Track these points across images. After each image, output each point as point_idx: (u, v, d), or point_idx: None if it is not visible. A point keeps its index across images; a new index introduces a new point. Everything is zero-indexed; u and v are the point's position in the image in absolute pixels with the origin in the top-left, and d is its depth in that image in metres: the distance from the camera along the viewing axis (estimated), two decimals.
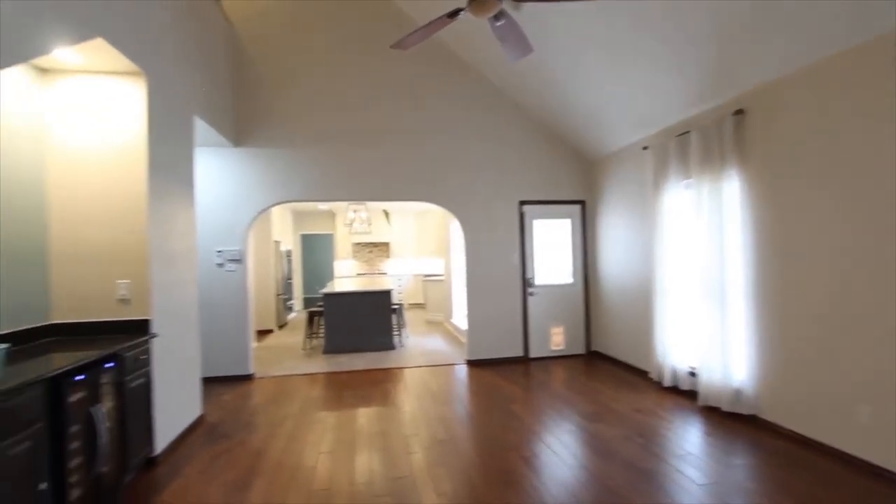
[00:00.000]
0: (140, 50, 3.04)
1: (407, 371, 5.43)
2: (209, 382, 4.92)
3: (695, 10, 3.11)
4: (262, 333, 8.06)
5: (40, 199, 2.95)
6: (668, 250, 4.37)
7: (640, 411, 3.83)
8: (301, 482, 2.75)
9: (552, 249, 6.02)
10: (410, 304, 12.05)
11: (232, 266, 5.19)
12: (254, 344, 6.90)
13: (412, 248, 12.37)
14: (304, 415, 3.95)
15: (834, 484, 2.58)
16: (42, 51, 2.32)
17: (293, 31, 5.38)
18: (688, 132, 4.07)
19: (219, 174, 5.20)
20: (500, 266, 5.78)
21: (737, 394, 3.61)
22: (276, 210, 8.83)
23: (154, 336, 3.06)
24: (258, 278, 8.08)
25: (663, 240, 4.41)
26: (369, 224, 9.85)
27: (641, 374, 4.89)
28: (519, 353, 5.80)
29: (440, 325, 8.83)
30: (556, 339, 5.93)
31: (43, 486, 2.01)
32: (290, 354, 6.42)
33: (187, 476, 2.87)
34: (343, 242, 11.97)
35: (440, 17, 2.71)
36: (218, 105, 4.67)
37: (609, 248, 5.65)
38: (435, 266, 12.18)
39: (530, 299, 5.85)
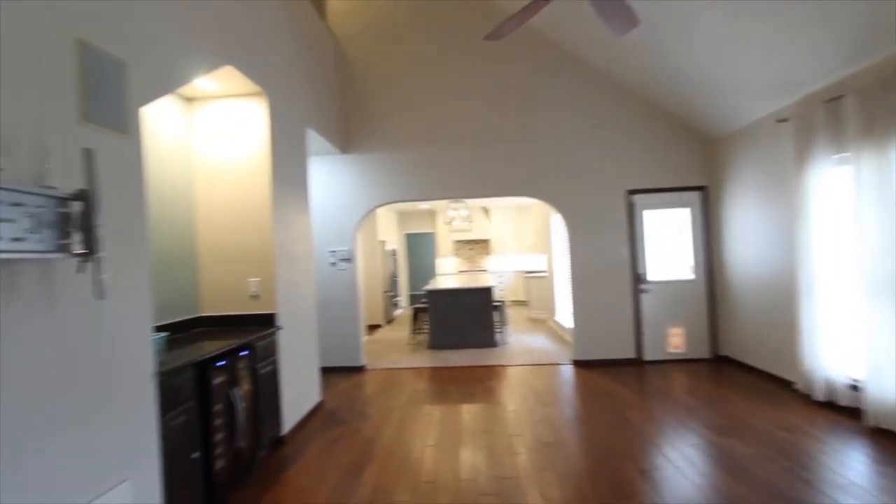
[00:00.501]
0: (262, 72, 3.39)
1: (510, 369, 5.35)
2: (327, 372, 5.34)
3: None
4: (372, 328, 8.57)
5: (190, 211, 3.43)
6: (817, 239, 3.68)
7: (784, 428, 3.28)
8: (409, 473, 2.84)
9: (667, 242, 5.46)
10: (512, 302, 11.91)
11: (343, 265, 5.58)
12: (364, 338, 7.37)
13: (512, 245, 12.22)
14: (411, 407, 4.09)
15: None
16: (185, 81, 2.69)
17: (394, 38, 5.61)
18: (841, 97, 3.38)
19: (328, 180, 5.62)
20: (606, 261, 5.40)
21: None
22: (381, 211, 9.33)
23: (279, 328, 3.39)
24: (366, 276, 8.60)
25: (809, 227, 3.72)
26: (469, 221, 9.93)
27: (784, 384, 4.20)
28: (631, 354, 5.37)
29: (543, 323, 8.57)
30: (675, 341, 5.37)
31: (195, 455, 2.33)
32: (396, 348, 6.73)
33: (309, 456, 3.13)
34: (444, 240, 12.25)
35: (535, 1, 2.58)
36: (327, 116, 5.04)
37: (738, 238, 4.95)
38: (536, 262, 11.88)
39: (643, 296, 5.37)
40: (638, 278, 5.39)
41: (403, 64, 5.59)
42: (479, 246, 12.44)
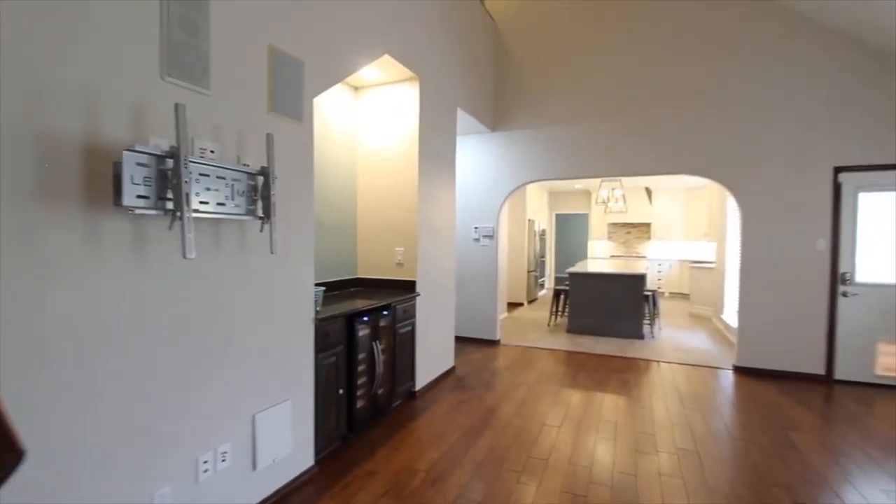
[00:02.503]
0: (415, 58, 3.67)
1: (654, 364, 4.90)
2: (462, 341, 5.69)
3: None
4: (513, 305, 8.70)
5: (353, 187, 3.97)
6: None
7: None
8: (522, 445, 2.90)
9: (890, 234, 4.23)
10: (672, 293, 10.73)
11: (486, 241, 5.77)
12: (503, 314, 7.55)
13: (679, 230, 10.88)
14: (537, 385, 4.11)
15: None
16: (350, 72, 3.08)
17: (550, 13, 5.42)
18: None
19: (477, 158, 5.81)
20: (793, 254, 4.46)
21: None
22: (531, 190, 9.26)
23: (418, 294, 3.74)
24: (511, 254, 8.72)
25: None
26: (625, 202, 9.19)
27: None
28: (818, 370, 4.39)
29: (706, 321, 7.54)
30: (887, 361, 4.20)
31: (341, 391, 2.78)
32: (534, 328, 6.73)
33: (436, 413, 3.43)
34: (598, 223, 11.57)
35: None
36: (477, 95, 5.19)
37: None
38: (704, 251, 10.39)
39: (843, 301, 4.31)
40: (840, 278, 4.33)
41: (558, 40, 5.37)
42: (636, 230, 11.42)
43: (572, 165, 5.37)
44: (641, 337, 6.10)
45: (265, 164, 2.10)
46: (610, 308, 6.28)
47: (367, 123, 3.95)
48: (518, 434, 3.08)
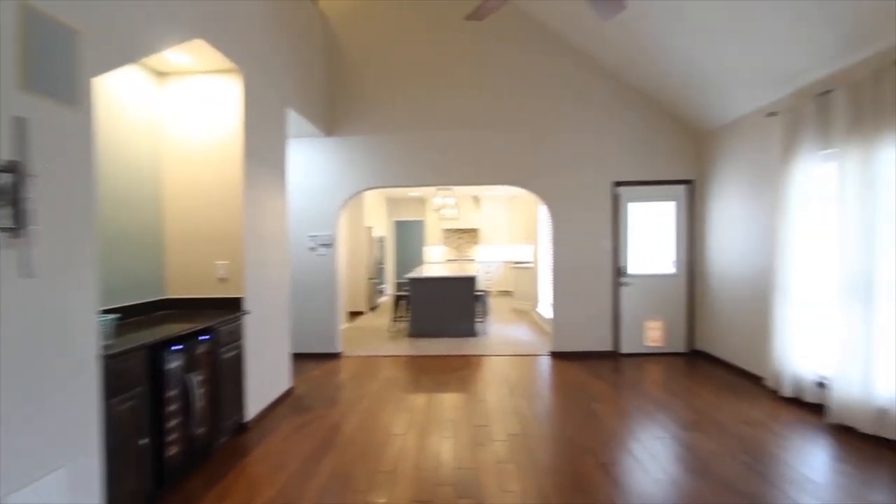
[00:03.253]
0: (237, 48, 3.27)
1: (486, 359, 5.33)
2: (300, 358, 5.29)
3: None
4: (354, 315, 8.52)
5: (156, 189, 3.33)
6: (797, 237, 3.66)
7: (748, 423, 3.29)
8: (369, 461, 2.81)
9: (650, 236, 5.43)
10: (498, 292, 11.91)
11: (323, 250, 5.51)
12: (344, 324, 7.33)
13: (502, 235, 12.17)
14: (381, 395, 4.06)
15: None
16: (148, 52, 2.56)
17: (383, 23, 5.47)
18: (830, 91, 3.32)
19: (311, 163, 5.51)
20: (589, 253, 5.37)
21: (882, 413, 2.92)
22: (369, 198, 9.23)
23: (246, 313, 3.33)
24: (350, 262, 8.54)
25: (790, 224, 3.70)
26: (457, 210, 9.85)
27: (754, 379, 4.22)
28: (608, 347, 5.38)
29: (526, 314, 8.57)
30: (653, 335, 5.38)
31: (144, 441, 2.27)
32: (376, 336, 6.70)
33: (271, 443, 3.09)
34: (433, 229, 12.17)
35: None
36: (311, 97, 4.92)
37: (721, 235, 4.93)
38: (524, 253, 11.86)
39: (623, 290, 5.36)
40: (619, 271, 5.37)
41: (393, 49, 5.46)
42: (467, 235, 12.38)
43: (407, 174, 5.50)
44: (475, 334, 6.59)
45: (15, 158, 1.58)
46: (447, 310, 6.63)
47: (176, 116, 3.37)
48: (364, 449, 2.97)
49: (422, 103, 5.44)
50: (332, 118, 5.49)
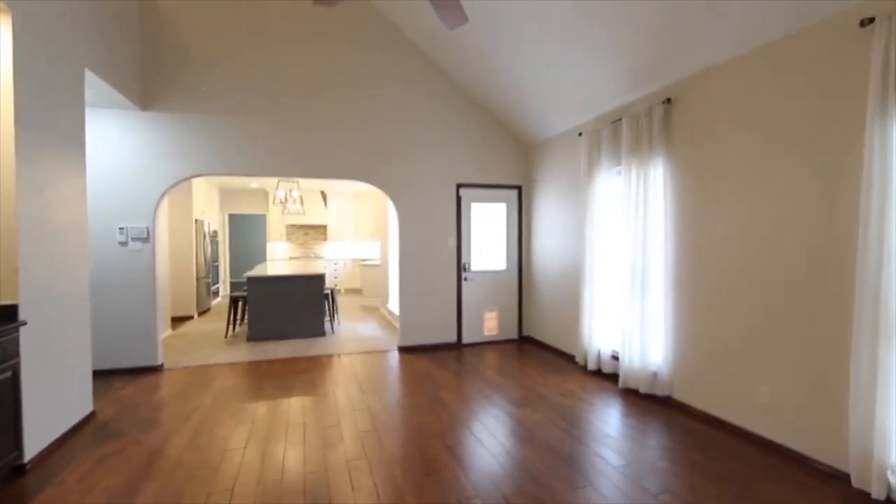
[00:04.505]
0: None
1: (335, 358, 5.20)
2: (107, 375, 4.43)
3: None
4: (180, 320, 7.43)
5: None
6: (597, 237, 4.45)
7: (564, 395, 3.89)
8: (200, 483, 2.49)
9: (489, 234, 5.98)
10: (347, 290, 11.70)
11: (137, 245, 4.65)
12: (167, 332, 6.34)
13: (351, 232, 11.96)
14: (215, 408, 3.63)
15: (736, 459, 2.73)
16: None
17: None
18: (620, 119, 4.12)
19: (122, 141, 4.61)
20: (435, 250, 5.65)
21: (654, 377, 3.76)
22: (198, 187, 8.12)
23: (22, 324, 2.62)
24: (176, 260, 7.42)
25: (593, 226, 4.48)
26: (302, 204, 9.35)
27: (569, 358, 5.01)
28: (452, 339, 5.75)
29: (376, 311, 8.61)
30: (490, 325, 5.94)
31: None
32: (209, 342, 5.95)
33: (63, 484, 2.50)
34: (276, 224, 11.32)
35: None
36: (121, 61, 4.10)
37: (543, 234, 5.70)
38: (373, 250, 11.88)
39: (465, 285, 5.79)
40: (462, 267, 5.77)
41: (233, 22, 4.87)
42: (314, 231, 11.84)
43: (244, 162, 4.99)
44: (323, 334, 6.36)
45: None
46: (292, 310, 6.25)
47: None
48: (194, 472, 2.62)
49: (262, 86, 5.00)
50: (148, 89, 4.66)
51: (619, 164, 4.22)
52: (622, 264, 4.05)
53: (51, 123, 3.00)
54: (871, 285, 2.29)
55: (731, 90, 3.15)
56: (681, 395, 3.59)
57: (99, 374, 4.43)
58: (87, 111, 4.42)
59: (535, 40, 4.07)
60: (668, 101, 3.62)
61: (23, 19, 2.71)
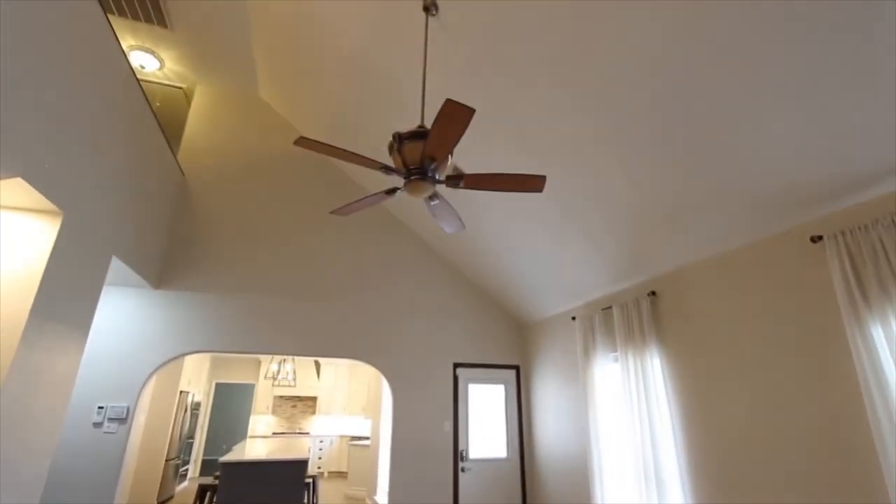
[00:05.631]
0: (61, 192, 2.94)
1: None
2: None
3: (615, 200, 3.57)
4: None
5: None
6: (602, 426, 4.22)
7: None
8: None
9: (488, 419, 5.66)
10: (332, 473, 10.52)
11: (113, 427, 4.36)
12: None
13: (342, 405, 11.32)
14: None
15: None
16: None
17: (237, 185, 5.58)
18: (611, 307, 4.32)
19: (125, 317, 4.72)
20: (430, 434, 5.28)
21: None
22: (191, 356, 7.99)
23: None
24: (148, 439, 6.84)
25: (596, 415, 4.29)
26: (294, 377, 9.07)
27: None
28: None
29: (362, 502, 7.59)
30: None
31: None
32: None
33: None
34: (264, 395, 10.78)
35: (379, 193, 2.89)
36: (147, 249, 4.48)
37: (544, 418, 5.41)
38: (363, 427, 11.07)
39: (462, 476, 5.24)
40: (460, 455, 5.31)
41: (246, 209, 5.50)
42: (303, 403, 11.22)
43: (242, 339, 5.02)
44: None
45: None
46: (267, 502, 5.51)
47: None
48: None
49: (265, 268, 5.34)
50: (165, 272, 4.98)
51: (615, 349, 4.27)
52: (631, 456, 3.75)
53: (65, 309, 3.12)
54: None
55: (703, 289, 3.39)
56: None
57: None
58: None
59: (525, 236, 4.53)
60: (653, 293, 3.86)
61: (70, 220, 3.06)
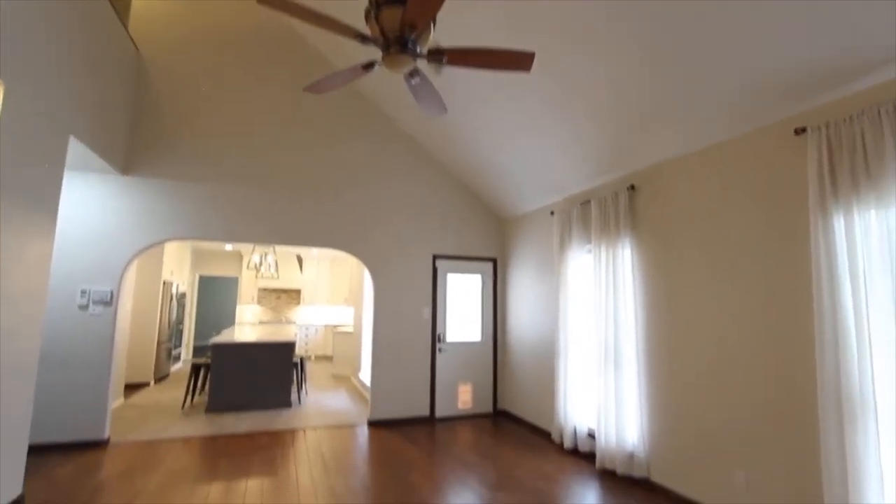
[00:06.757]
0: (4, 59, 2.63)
1: (300, 433, 4.90)
2: (44, 452, 4.06)
3: (595, 92, 3.42)
4: (135, 387, 6.95)
5: None
6: (571, 313, 4.52)
7: (541, 477, 3.73)
8: None
9: (464, 306, 5.99)
10: (318, 357, 11.29)
11: (99, 309, 4.46)
12: (118, 401, 5.92)
13: (325, 297, 11.78)
14: (163, 491, 3.32)
15: None
16: None
17: (206, 65, 5.10)
18: (589, 201, 4.37)
19: (97, 204, 4.57)
20: (409, 320, 5.61)
21: (630, 457, 3.68)
22: (170, 248, 7.99)
23: None
24: (137, 323, 7.09)
25: (566, 302, 4.57)
26: (276, 269, 9.24)
27: (545, 434, 4.87)
28: (425, 412, 5.53)
29: (346, 381, 8.28)
30: (464, 398, 5.77)
31: None
32: (163, 414, 5.54)
33: None
34: (248, 287, 11.07)
35: (355, 67, 2.68)
36: (108, 129, 4.18)
37: (518, 307, 5.75)
38: (346, 316, 11.66)
39: (439, 356, 5.69)
40: (437, 338, 5.71)
41: (216, 93, 5.10)
42: (287, 295, 11.61)
43: (222, 228, 4.99)
44: (289, 405, 6.04)
45: None
46: (257, 379, 5.96)
47: None
48: None
49: (244, 154, 5.14)
50: (131, 156, 4.73)
51: (589, 242, 4.41)
52: (595, 340, 4.10)
53: (28, 187, 2.98)
54: (830, 373, 2.38)
55: (684, 183, 3.43)
56: (658, 477, 3.50)
57: (36, 450, 4.05)
58: (66, 174, 4.43)
59: (508, 126, 4.38)
60: (633, 187, 3.89)
61: (14, 89, 2.78)
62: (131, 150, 4.73)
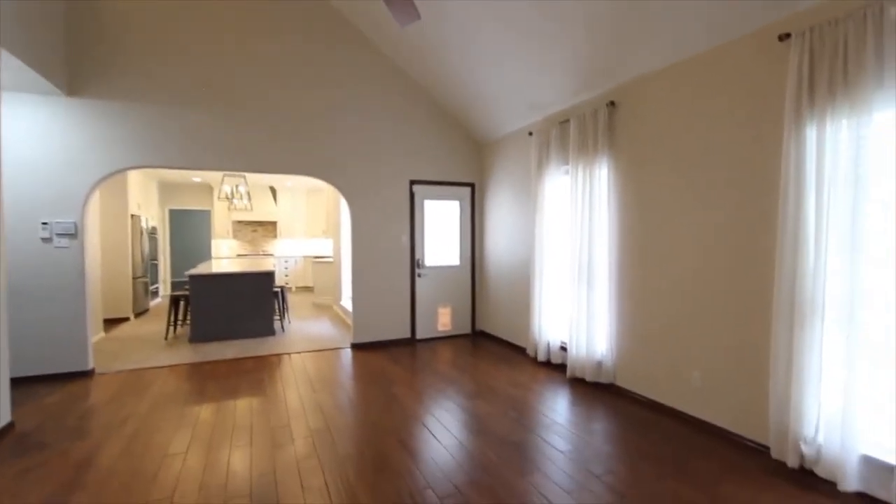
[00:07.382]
0: None
1: (285, 357, 5.05)
2: (29, 383, 4.10)
3: (573, 5, 3.20)
4: (114, 322, 6.95)
5: None
6: (547, 233, 4.59)
7: (515, 386, 3.99)
8: (136, 492, 2.35)
9: (443, 231, 6.01)
10: (299, 287, 11.39)
11: (64, 242, 4.30)
12: (99, 335, 5.92)
13: (303, 229, 11.63)
14: (153, 413, 3.43)
15: (673, 440, 2.91)
16: None
17: None
18: (568, 120, 4.27)
19: (44, 129, 4.23)
20: (388, 246, 5.62)
21: (598, 365, 3.94)
22: (134, 180, 7.61)
23: None
24: (109, 258, 6.92)
25: (543, 223, 4.62)
26: (249, 199, 8.98)
27: (521, 350, 5.14)
28: (406, 335, 5.74)
29: (328, 309, 8.44)
30: (444, 320, 5.98)
31: None
32: (146, 345, 5.60)
33: None
34: (222, 220, 10.80)
35: None
36: (41, 41, 3.76)
37: (495, 230, 5.80)
38: (325, 247, 11.63)
39: (418, 280, 5.79)
40: (416, 263, 5.77)
41: (173, 3, 4.58)
42: (263, 228, 11.42)
43: (185, 155, 4.72)
44: (273, 333, 6.16)
45: None
46: (239, 309, 6.00)
47: None
48: (129, 480, 2.47)
49: (206, 74, 4.75)
50: (75, 74, 4.31)
51: (567, 163, 4.37)
52: (570, 260, 4.20)
53: None
54: (787, 277, 2.52)
55: (665, 96, 3.35)
56: (623, 382, 3.78)
57: (21, 382, 4.08)
58: (5, 95, 4.04)
59: (486, 39, 4.12)
60: (612, 103, 3.79)
61: None
62: (75, 67, 4.30)
